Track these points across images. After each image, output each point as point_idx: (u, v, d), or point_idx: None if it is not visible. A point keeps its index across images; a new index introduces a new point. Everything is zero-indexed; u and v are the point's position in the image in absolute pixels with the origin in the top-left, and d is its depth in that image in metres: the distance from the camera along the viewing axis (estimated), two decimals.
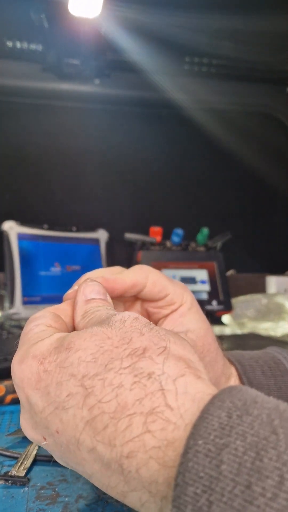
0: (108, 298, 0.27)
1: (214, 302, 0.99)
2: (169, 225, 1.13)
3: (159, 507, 0.17)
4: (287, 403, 0.17)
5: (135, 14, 0.88)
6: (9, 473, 0.32)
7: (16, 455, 0.35)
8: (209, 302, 0.99)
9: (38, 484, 0.32)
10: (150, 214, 1.22)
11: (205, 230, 1.13)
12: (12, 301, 0.96)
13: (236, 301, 1.05)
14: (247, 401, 0.16)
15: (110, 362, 0.20)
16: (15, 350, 0.25)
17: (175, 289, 0.31)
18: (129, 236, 1.10)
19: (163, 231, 1.14)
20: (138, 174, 1.23)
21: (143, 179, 1.24)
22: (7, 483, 0.32)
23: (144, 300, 0.32)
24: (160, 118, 1.23)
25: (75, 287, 0.28)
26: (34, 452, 0.36)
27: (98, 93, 1.13)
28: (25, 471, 0.33)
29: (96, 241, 1.13)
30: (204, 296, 1.00)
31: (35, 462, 0.35)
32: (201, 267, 1.04)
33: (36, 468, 0.34)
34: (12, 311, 0.95)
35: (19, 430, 0.41)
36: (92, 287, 0.27)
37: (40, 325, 0.25)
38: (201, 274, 1.03)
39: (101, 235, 1.14)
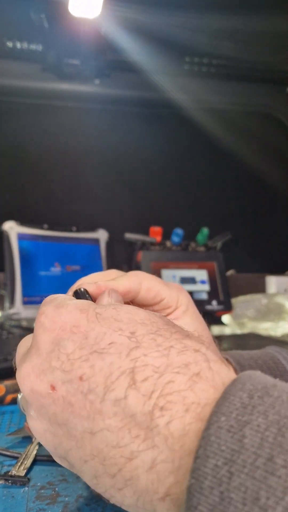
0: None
1: (214, 302, 0.99)
2: (169, 225, 1.13)
3: (176, 466, 0.17)
4: None
5: (135, 14, 0.88)
6: (9, 473, 0.33)
7: (16, 455, 0.36)
8: (209, 302, 0.99)
9: (38, 484, 0.32)
10: (150, 214, 1.22)
11: (205, 230, 1.13)
12: (12, 301, 0.96)
13: (236, 301, 1.05)
14: (268, 384, 0.17)
15: (159, 330, 0.21)
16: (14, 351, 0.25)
17: (171, 293, 0.30)
18: (129, 236, 1.10)
19: (163, 231, 1.14)
20: (138, 174, 1.23)
21: (143, 179, 1.24)
22: (7, 483, 0.32)
23: (140, 305, 0.32)
24: (160, 118, 1.23)
25: (69, 293, 0.28)
26: (34, 452, 0.36)
27: (98, 93, 1.13)
28: (25, 471, 0.33)
29: (96, 241, 1.13)
30: (204, 296, 1.00)
31: (35, 462, 0.35)
32: (201, 267, 1.04)
33: (36, 468, 0.34)
34: (12, 311, 0.95)
35: (19, 430, 0.41)
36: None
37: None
38: (201, 274, 1.03)
39: (101, 235, 1.14)
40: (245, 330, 0.99)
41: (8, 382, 0.49)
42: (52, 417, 0.20)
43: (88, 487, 0.31)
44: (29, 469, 0.34)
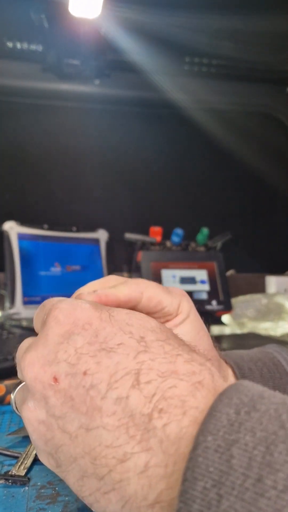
0: None
1: (214, 302, 0.99)
2: (169, 225, 1.13)
3: (169, 471, 0.17)
4: None
5: (135, 14, 0.88)
6: (10, 473, 0.33)
7: (16, 455, 0.36)
8: (209, 302, 0.99)
9: (39, 484, 0.32)
10: (150, 214, 1.22)
11: (205, 230, 1.13)
12: (12, 301, 0.96)
13: (236, 301, 1.05)
14: (254, 397, 0.17)
15: (168, 339, 0.21)
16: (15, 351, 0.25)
17: (172, 301, 0.29)
18: (129, 236, 1.10)
19: (163, 231, 1.14)
20: (138, 174, 1.23)
21: (143, 179, 1.24)
22: (7, 483, 0.32)
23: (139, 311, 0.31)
24: (160, 118, 1.23)
25: None
26: (35, 452, 0.36)
27: (98, 93, 1.13)
28: (26, 470, 0.33)
29: (96, 241, 1.13)
30: (204, 296, 1.00)
31: (35, 461, 0.35)
32: (201, 267, 1.04)
33: (37, 468, 0.34)
34: (12, 311, 0.95)
35: (19, 429, 0.41)
36: None
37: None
38: (201, 274, 1.03)
39: (101, 235, 1.14)
40: (245, 330, 0.99)
41: (8, 382, 0.49)
42: (51, 409, 0.20)
43: None
44: (29, 469, 0.34)
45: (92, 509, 0.20)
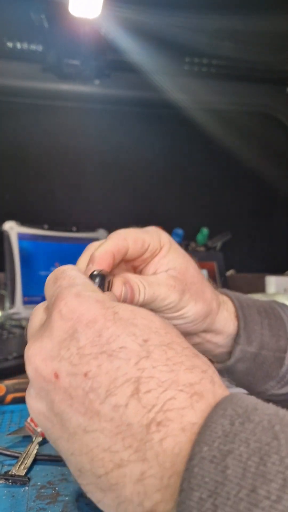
0: None
1: None
2: (169, 225, 1.13)
3: (164, 484, 0.17)
4: (286, 409, 0.17)
5: (135, 14, 0.88)
6: (10, 473, 0.33)
7: (16, 455, 0.36)
8: None
9: (39, 484, 0.32)
10: (150, 214, 1.22)
11: (205, 230, 1.13)
12: (12, 301, 0.96)
13: None
14: (248, 408, 0.17)
15: (171, 342, 0.21)
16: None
17: (152, 237, 0.31)
18: None
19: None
20: (138, 174, 1.23)
21: (143, 179, 1.24)
22: (7, 483, 0.32)
23: (130, 260, 0.32)
24: (160, 118, 1.23)
25: (80, 264, 0.30)
26: (35, 452, 0.36)
27: (98, 93, 1.13)
28: (26, 470, 0.33)
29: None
30: None
31: (35, 461, 0.35)
32: (201, 267, 1.04)
33: (37, 468, 0.34)
34: (12, 311, 0.95)
35: (19, 429, 0.41)
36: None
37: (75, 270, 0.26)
38: None
39: (101, 235, 1.14)
40: None
41: (8, 382, 0.49)
42: (50, 404, 0.20)
43: None
44: (29, 469, 0.34)
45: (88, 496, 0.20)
